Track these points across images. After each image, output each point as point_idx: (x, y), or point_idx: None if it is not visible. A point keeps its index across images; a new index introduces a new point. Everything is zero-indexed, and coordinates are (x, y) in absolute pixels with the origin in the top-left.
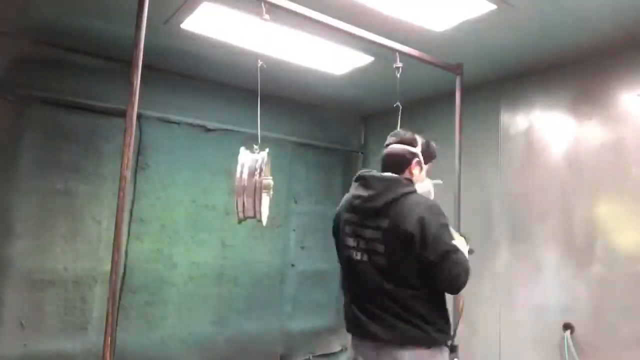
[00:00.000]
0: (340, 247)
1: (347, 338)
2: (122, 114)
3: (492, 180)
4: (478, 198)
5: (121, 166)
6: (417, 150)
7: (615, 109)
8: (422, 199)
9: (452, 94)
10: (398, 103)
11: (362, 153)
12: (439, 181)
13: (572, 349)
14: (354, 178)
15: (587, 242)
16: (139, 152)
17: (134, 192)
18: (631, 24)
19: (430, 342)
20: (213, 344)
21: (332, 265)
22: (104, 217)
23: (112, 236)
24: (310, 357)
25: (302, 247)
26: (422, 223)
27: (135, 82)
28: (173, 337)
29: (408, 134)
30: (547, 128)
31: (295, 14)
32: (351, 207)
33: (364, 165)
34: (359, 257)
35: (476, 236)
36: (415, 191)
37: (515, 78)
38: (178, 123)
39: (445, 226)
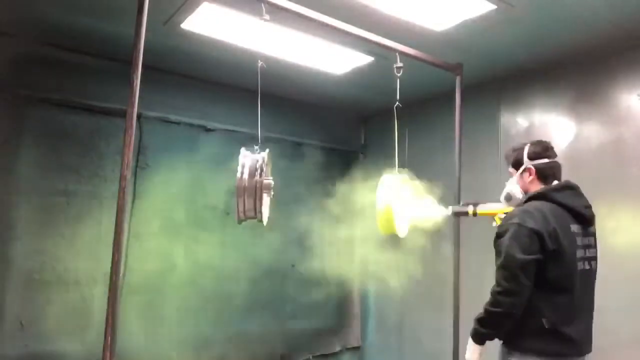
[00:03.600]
0: (568, 261)
1: (351, 337)
2: (122, 114)
3: (492, 180)
4: (478, 198)
5: (121, 166)
6: None
7: (615, 109)
8: None
9: (452, 94)
10: (398, 103)
11: (362, 153)
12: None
13: None
14: (555, 186)
15: None
16: (139, 152)
17: (134, 192)
18: (631, 24)
19: None
20: (213, 344)
21: (331, 265)
22: (104, 217)
23: (112, 236)
24: (311, 357)
25: (302, 248)
26: None
27: (135, 82)
28: (173, 337)
29: None
30: (547, 128)
31: (295, 14)
32: (579, 217)
33: (364, 165)
34: (587, 267)
35: (477, 236)
36: None
37: (515, 78)
38: (178, 123)
39: None
